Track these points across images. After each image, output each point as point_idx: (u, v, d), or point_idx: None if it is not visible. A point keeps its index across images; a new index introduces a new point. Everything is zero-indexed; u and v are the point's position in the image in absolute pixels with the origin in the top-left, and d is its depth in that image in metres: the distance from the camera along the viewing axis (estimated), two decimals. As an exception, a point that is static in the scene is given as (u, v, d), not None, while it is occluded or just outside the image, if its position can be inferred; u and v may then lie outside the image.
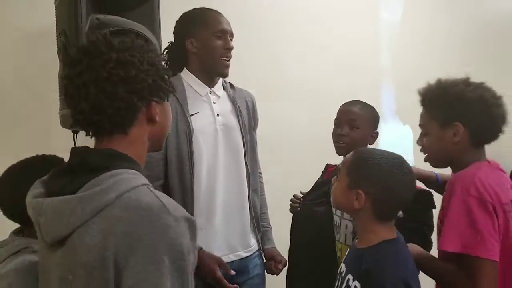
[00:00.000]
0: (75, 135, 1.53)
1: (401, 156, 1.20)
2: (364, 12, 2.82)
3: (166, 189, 1.50)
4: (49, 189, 0.85)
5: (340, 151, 1.62)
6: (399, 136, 2.90)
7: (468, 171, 1.23)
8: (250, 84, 1.87)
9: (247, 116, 1.69)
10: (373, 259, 1.14)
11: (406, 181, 1.15)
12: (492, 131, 1.27)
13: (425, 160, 1.35)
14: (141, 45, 0.92)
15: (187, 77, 1.60)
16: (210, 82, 1.62)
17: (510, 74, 3.29)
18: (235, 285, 1.45)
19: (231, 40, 1.60)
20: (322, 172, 1.80)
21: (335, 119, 1.68)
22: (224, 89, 1.67)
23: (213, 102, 1.61)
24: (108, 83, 0.83)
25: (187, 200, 1.50)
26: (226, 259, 1.55)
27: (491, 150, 1.32)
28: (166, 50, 1.61)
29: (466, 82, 1.30)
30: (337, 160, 1.65)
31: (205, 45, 1.57)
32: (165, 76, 0.93)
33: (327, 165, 1.79)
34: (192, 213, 1.49)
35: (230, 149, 1.61)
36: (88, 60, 0.84)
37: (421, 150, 1.35)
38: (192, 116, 1.54)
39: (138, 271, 0.74)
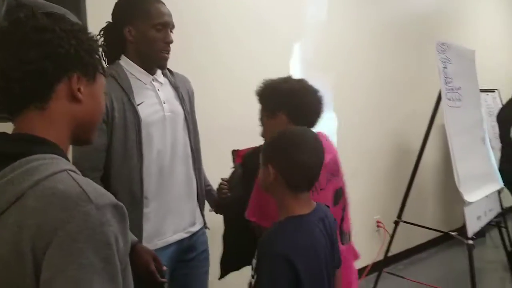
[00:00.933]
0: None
1: (305, 128, 1.29)
2: (290, 10, 2.95)
3: (108, 179, 1.46)
4: None
5: None
6: (324, 121, 3.11)
7: None
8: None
9: (188, 100, 1.67)
10: (266, 233, 1.20)
11: (308, 149, 1.21)
12: (308, 117, 1.48)
13: None
14: (68, 19, 0.86)
15: (128, 66, 1.52)
16: (151, 70, 1.56)
17: (411, 66, 3.71)
18: (165, 280, 1.45)
19: (171, 31, 1.53)
20: (233, 160, 1.81)
21: None
22: (164, 75, 1.63)
23: (158, 89, 1.56)
24: (20, 46, 0.76)
25: (135, 188, 1.47)
26: (178, 237, 1.57)
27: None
28: (101, 31, 1.51)
29: (285, 79, 1.49)
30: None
31: (143, 37, 1.49)
32: (93, 51, 0.84)
33: (234, 151, 1.79)
34: (141, 200, 1.48)
35: (177, 135, 1.59)
36: (6, 28, 0.78)
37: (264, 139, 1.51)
38: (139, 106, 1.48)
39: (54, 264, 0.66)
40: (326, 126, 3.15)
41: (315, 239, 1.19)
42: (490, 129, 4.14)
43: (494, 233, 4.27)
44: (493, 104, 4.27)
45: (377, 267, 3.56)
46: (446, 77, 2.02)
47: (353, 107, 3.36)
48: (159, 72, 1.59)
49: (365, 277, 3.43)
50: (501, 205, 3.90)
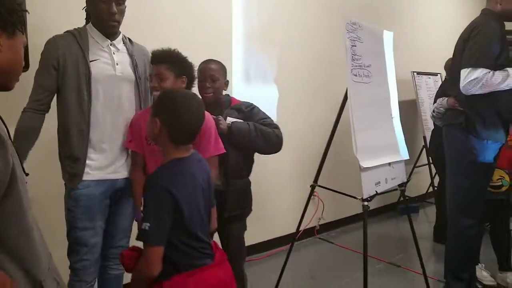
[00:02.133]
0: None
1: (193, 94, 1.53)
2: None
3: (64, 118, 1.81)
4: None
5: (206, 100, 2.04)
6: (265, 93, 3.30)
7: None
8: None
9: (143, 68, 1.96)
10: (152, 173, 1.44)
11: (192, 111, 1.43)
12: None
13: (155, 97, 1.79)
14: None
15: (91, 30, 1.85)
16: (109, 36, 1.86)
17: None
18: None
19: (120, 4, 1.81)
20: None
21: (199, 76, 2.04)
22: (123, 44, 1.92)
23: (113, 53, 1.86)
24: None
25: (83, 127, 1.79)
26: (114, 176, 1.89)
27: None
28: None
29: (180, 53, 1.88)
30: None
31: (93, 9, 1.82)
32: (13, 12, 0.99)
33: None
34: (87, 138, 1.80)
35: (124, 93, 1.88)
36: None
37: (155, 90, 1.81)
38: (92, 62, 1.79)
39: None
40: (268, 97, 3.34)
41: (192, 174, 1.43)
42: (428, 111, 4.41)
43: (430, 210, 4.63)
44: (434, 87, 4.52)
45: (309, 233, 3.85)
46: (354, 55, 2.21)
47: (295, 79, 3.53)
48: (118, 39, 1.90)
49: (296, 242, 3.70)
50: (432, 182, 4.17)
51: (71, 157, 1.81)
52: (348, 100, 2.18)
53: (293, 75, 3.51)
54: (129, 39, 1.96)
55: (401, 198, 4.56)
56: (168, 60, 1.80)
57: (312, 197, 3.88)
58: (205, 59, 2.11)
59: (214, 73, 2.06)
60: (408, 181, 2.72)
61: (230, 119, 2.01)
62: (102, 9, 1.79)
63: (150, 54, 1.90)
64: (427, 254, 3.62)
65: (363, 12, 3.95)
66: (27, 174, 1.06)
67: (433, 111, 2.92)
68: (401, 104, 4.50)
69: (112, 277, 2.01)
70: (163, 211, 1.33)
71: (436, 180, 4.14)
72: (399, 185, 2.62)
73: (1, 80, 1.02)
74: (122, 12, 1.84)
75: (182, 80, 1.83)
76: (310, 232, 3.86)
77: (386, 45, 2.57)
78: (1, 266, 0.93)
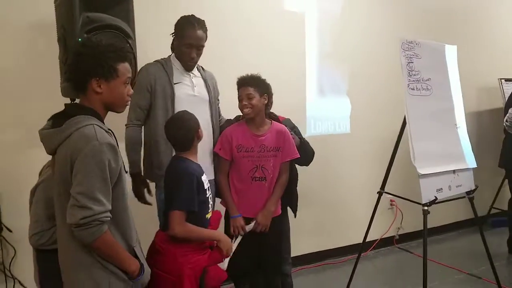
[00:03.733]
0: (72, 102, 1.90)
1: (184, 112, 1.92)
2: (308, 5, 3.40)
3: (154, 131, 2.17)
4: (51, 125, 1.45)
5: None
6: (338, 106, 3.56)
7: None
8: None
9: (213, 92, 2.33)
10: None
11: (182, 128, 1.86)
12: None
13: (248, 112, 2.20)
14: (100, 43, 1.44)
15: (174, 60, 2.25)
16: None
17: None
18: (149, 203, 2.29)
19: (200, 48, 2.19)
20: None
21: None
22: (198, 70, 2.30)
23: (192, 78, 2.24)
24: (69, 64, 1.46)
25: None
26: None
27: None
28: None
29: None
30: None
31: (178, 49, 2.22)
32: (106, 66, 1.39)
33: None
34: (171, 147, 2.04)
35: (200, 111, 2.16)
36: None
37: (247, 107, 2.18)
38: (176, 85, 2.17)
39: (77, 167, 1.32)
40: (341, 108, 3.51)
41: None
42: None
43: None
44: (515, 93, 4.29)
45: (387, 242, 3.92)
46: (411, 70, 2.39)
47: (366, 91, 3.65)
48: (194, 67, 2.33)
49: (372, 250, 3.81)
50: None
51: (161, 163, 2.14)
52: (405, 112, 2.36)
53: (364, 87, 3.65)
54: (201, 67, 2.34)
55: (490, 210, 4.38)
56: (253, 83, 2.19)
57: (390, 206, 4.04)
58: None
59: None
60: (475, 188, 2.73)
61: None
62: (184, 52, 2.18)
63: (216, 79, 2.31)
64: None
65: (439, 23, 3.97)
66: (126, 172, 1.55)
67: (506, 120, 2.89)
68: (488, 112, 4.44)
69: None
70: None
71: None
72: (467, 193, 2.67)
73: (111, 108, 1.48)
74: (199, 55, 2.22)
75: (264, 97, 2.20)
76: (389, 241, 3.95)
77: (449, 59, 2.67)
78: (112, 233, 1.40)
